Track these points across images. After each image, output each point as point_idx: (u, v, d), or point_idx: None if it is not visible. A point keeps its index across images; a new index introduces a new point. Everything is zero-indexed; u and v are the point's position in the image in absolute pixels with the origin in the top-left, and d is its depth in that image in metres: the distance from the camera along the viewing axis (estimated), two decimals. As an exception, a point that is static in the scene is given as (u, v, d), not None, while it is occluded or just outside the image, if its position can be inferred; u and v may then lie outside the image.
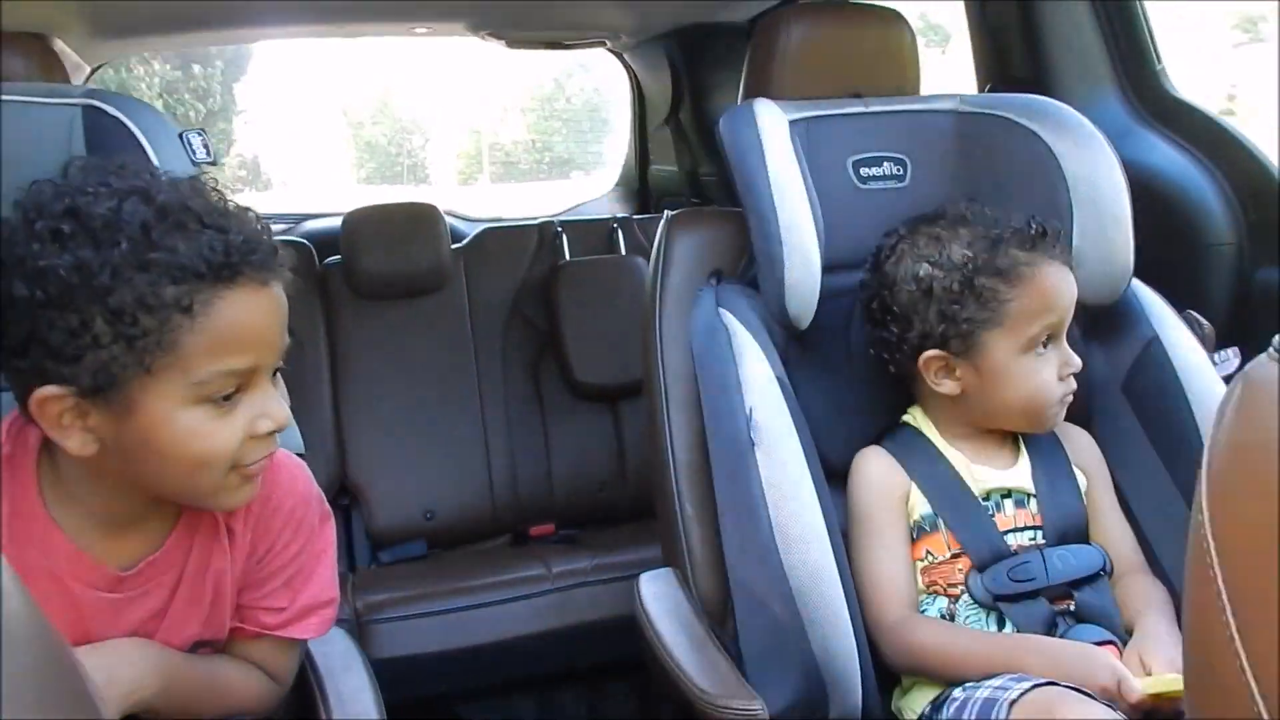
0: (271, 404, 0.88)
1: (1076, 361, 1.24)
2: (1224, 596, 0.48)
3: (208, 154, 1.22)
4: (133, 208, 0.82)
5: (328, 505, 1.06)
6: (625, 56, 2.95)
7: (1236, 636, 0.46)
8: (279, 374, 0.92)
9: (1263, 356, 0.53)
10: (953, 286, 1.23)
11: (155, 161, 1.12)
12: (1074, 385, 1.25)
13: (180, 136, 1.20)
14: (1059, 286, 1.24)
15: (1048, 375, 1.24)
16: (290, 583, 1.01)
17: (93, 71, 2.60)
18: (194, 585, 0.97)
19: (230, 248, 0.84)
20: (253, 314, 0.86)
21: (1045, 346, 1.23)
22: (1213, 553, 0.49)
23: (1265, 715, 0.44)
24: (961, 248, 1.24)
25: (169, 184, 0.87)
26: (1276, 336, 0.54)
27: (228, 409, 0.86)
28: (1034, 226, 1.24)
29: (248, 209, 0.90)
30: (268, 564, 1.00)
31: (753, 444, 1.18)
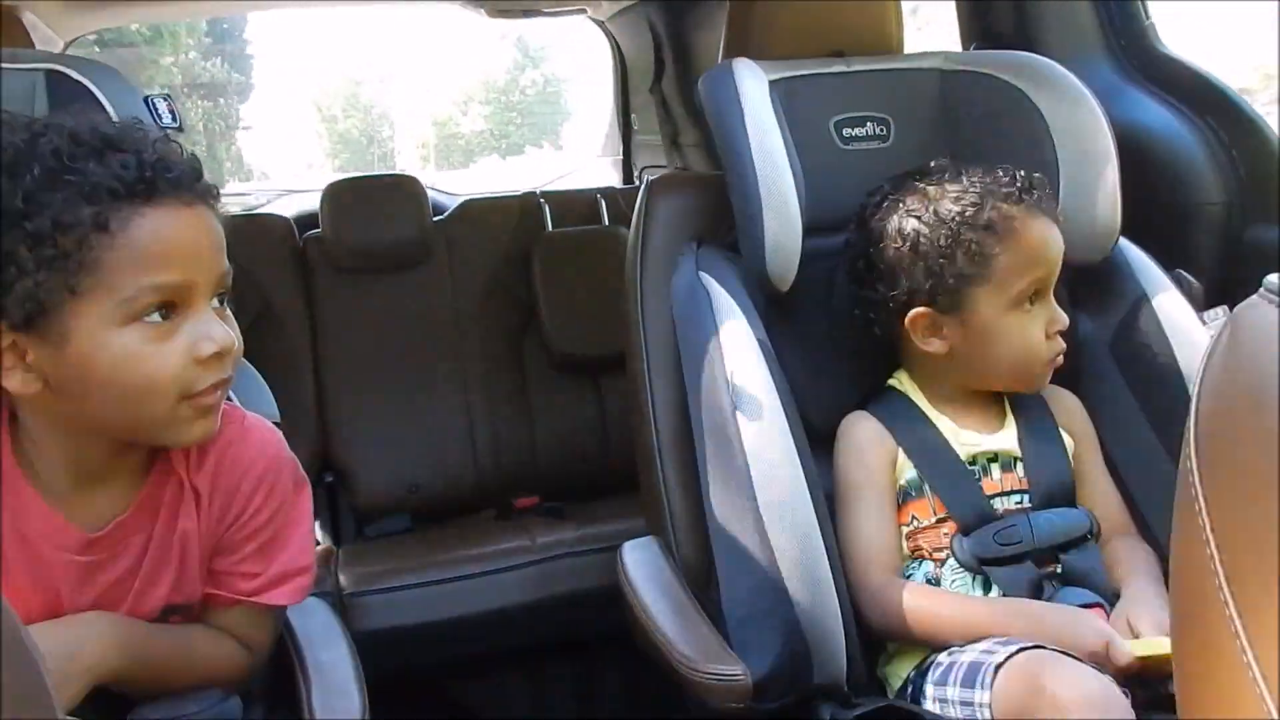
0: (213, 326, 0.88)
1: (1064, 319, 1.23)
2: (1212, 544, 0.47)
3: (174, 119, 1.21)
4: (46, 137, 0.85)
5: (303, 472, 1.05)
6: (606, 24, 2.92)
7: (1224, 584, 0.45)
8: (225, 303, 0.93)
9: (1253, 297, 0.52)
10: (939, 242, 1.21)
11: None
12: (1062, 345, 1.24)
13: (146, 100, 1.19)
14: (1046, 241, 1.22)
15: (1035, 332, 1.22)
16: (264, 549, 1.01)
17: (66, 46, 2.56)
18: (162, 546, 0.96)
19: (144, 165, 0.85)
20: (175, 230, 0.87)
21: (1032, 303, 1.22)
22: (1201, 499, 0.48)
23: (1254, 663, 0.43)
24: (949, 203, 1.23)
25: (88, 119, 0.89)
26: (1268, 277, 0.52)
27: (165, 332, 0.86)
28: (1021, 181, 1.23)
29: (172, 140, 0.92)
30: (240, 529, 1.00)
31: (734, 408, 1.17)
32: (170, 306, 0.87)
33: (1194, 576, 0.49)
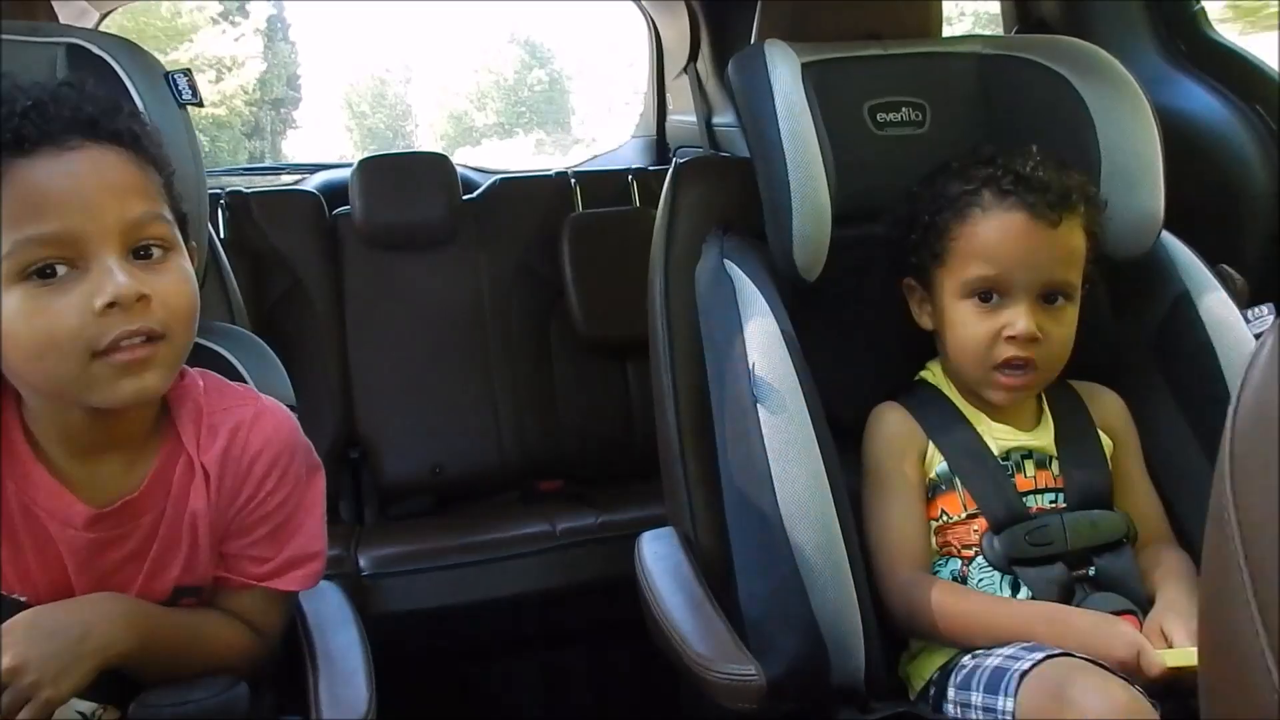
0: (107, 278, 0.84)
1: (1022, 328, 1.16)
2: (1240, 555, 0.45)
3: (194, 95, 1.20)
4: None
5: (317, 456, 1.04)
6: (643, 3, 2.88)
7: (1254, 605, 0.43)
8: (170, 254, 0.90)
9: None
10: (924, 216, 1.23)
11: (139, 101, 1.11)
12: (1019, 353, 1.17)
13: (167, 77, 1.18)
14: (1007, 240, 1.17)
15: (978, 330, 1.19)
16: (276, 533, 1.00)
17: (102, 18, 2.57)
18: (173, 526, 0.96)
19: (12, 116, 0.84)
20: (49, 179, 0.84)
21: (986, 300, 1.19)
22: (1232, 509, 0.46)
23: (1277, 677, 0.41)
24: (958, 183, 1.21)
25: None
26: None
27: (57, 287, 0.84)
28: (1025, 173, 1.18)
29: (73, 86, 0.91)
30: (251, 512, 0.99)
31: (755, 401, 1.14)
32: (67, 261, 0.84)
33: (1225, 598, 0.47)
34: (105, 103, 0.90)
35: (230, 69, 17.59)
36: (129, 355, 0.86)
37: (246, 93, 17.94)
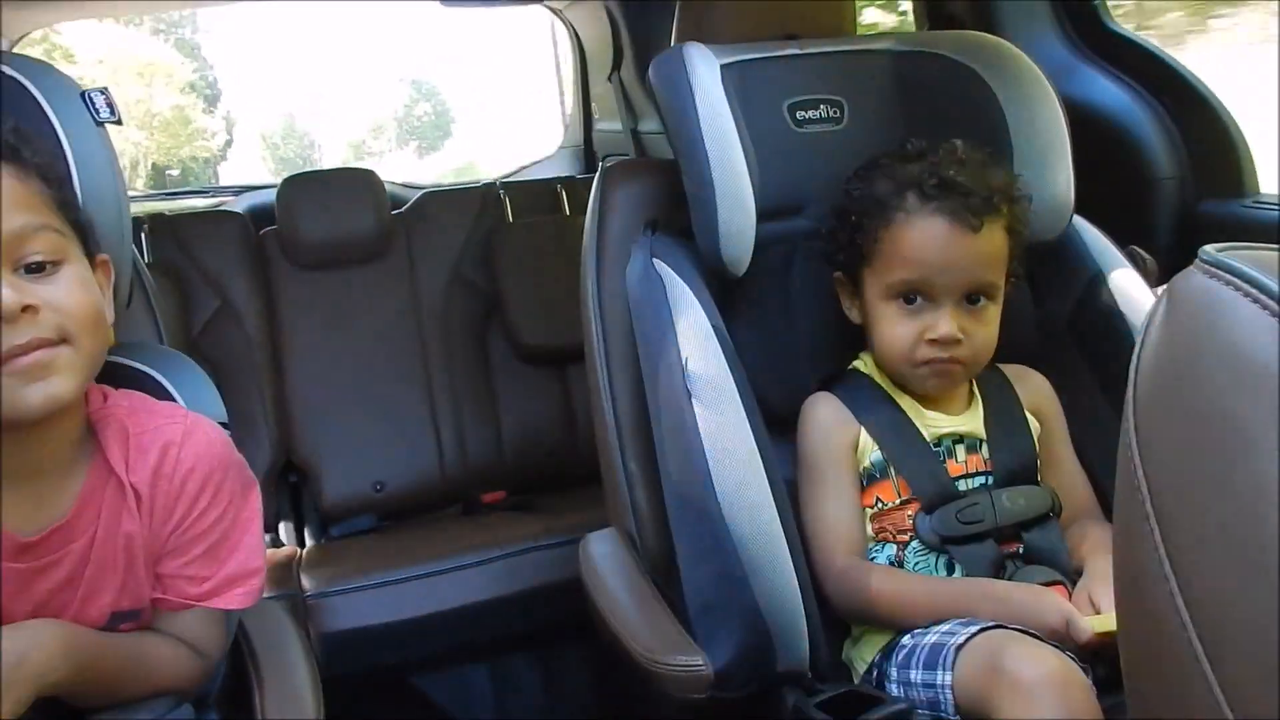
0: None
1: (943, 331, 1.19)
2: (1152, 519, 0.46)
3: (112, 113, 1.17)
4: None
5: (251, 473, 1.03)
6: (563, 13, 2.89)
7: (1163, 555, 0.44)
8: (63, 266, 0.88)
9: (1188, 269, 0.51)
10: (851, 216, 1.25)
11: (56, 121, 1.08)
12: (942, 354, 1.20)
13: (83, 95, 1.16)
14: (929, 246, 1.19)
15: (902, 330, 1.21)
16: (212, 551, 0.98)
17: (13, 44, 2.51)
18: (105, 551, 0.94)
19: None
20: None
21: (910, 302, 1.21)
22: (1140, 474, 0.47)
23: (1192, 631, 0.43)
24: (888, 183, 1.22)
25: None
26: (1203, 248, 0.51)
27: None
28: (949, 177, 1.19)
29: None
30: (186, 531, 0.97)
31: (690, 395, 1.15)
32: None
33: (1135, 550, 0.49)
34: None
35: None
36: (29, 360, 0.85)
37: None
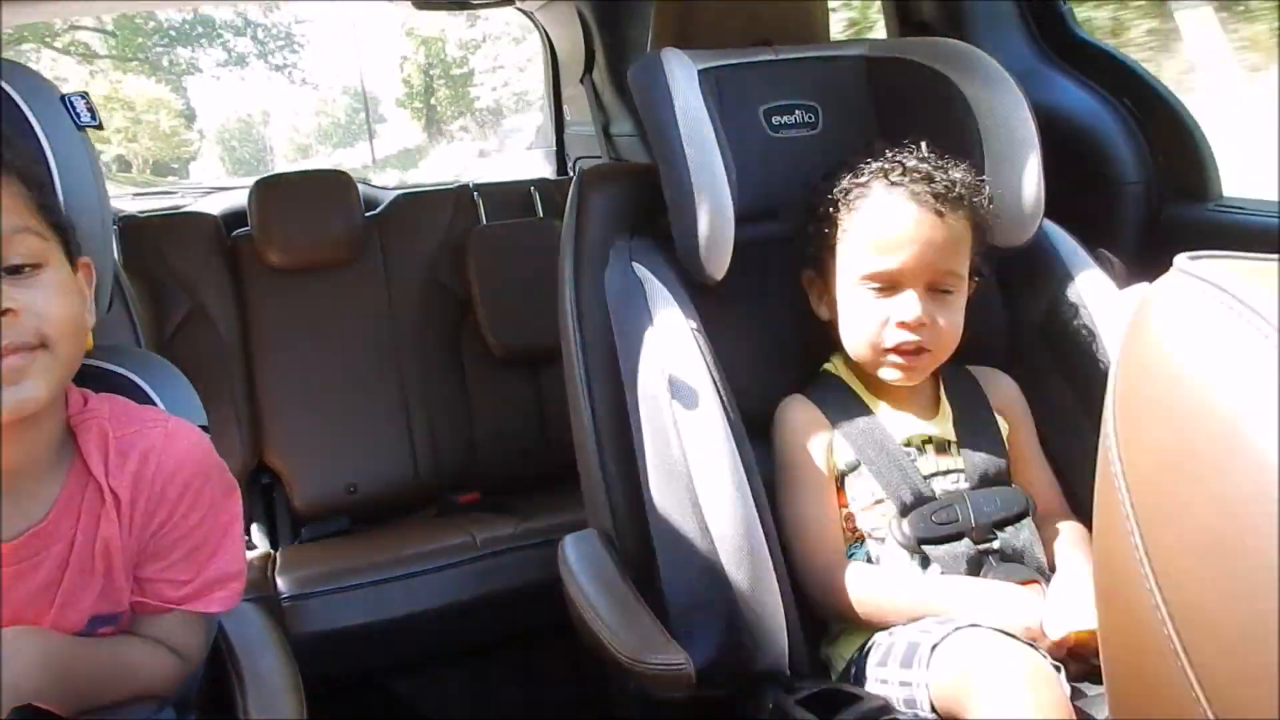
0: None
1: (908, 314, 1.20)
2: (1132, 519, 0.48)
3: (93, 117, 1.17)
4: None
5: (231, 476, 1.03)
6: (535, 16, 2.89)
7: (1142, 555, 0.46)
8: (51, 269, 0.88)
9: (1165, 276, 0.52)
10: (818, 209, 1.27)
11: (37, 125, 1.07)
12: (910, 339, 1.21)
13: (63, 99, 1.15)
14: (895, 229, 1.21)
15: (870, 317, 1.23)
16: (192, 555, 0.98)
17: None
18: (84, 555, 0.93)
19: None
20: None
21: (881, 292, 1.23)
22: (1120, 475, 0.49)
23: (1171, 629, 0.44)
24: (853, 177, 1.25)
25: None
26: (1178, 256, 0.53)
27: None
28: (912, 166, 1.22)
29: None
30: (167, 534, 0.97)
31: (671, 398, 1.16)
32: None
33: (1115, 550, 0.50)
34: None
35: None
36: (3, 365, 0.84)
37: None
